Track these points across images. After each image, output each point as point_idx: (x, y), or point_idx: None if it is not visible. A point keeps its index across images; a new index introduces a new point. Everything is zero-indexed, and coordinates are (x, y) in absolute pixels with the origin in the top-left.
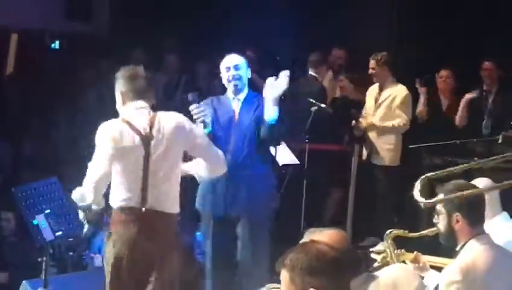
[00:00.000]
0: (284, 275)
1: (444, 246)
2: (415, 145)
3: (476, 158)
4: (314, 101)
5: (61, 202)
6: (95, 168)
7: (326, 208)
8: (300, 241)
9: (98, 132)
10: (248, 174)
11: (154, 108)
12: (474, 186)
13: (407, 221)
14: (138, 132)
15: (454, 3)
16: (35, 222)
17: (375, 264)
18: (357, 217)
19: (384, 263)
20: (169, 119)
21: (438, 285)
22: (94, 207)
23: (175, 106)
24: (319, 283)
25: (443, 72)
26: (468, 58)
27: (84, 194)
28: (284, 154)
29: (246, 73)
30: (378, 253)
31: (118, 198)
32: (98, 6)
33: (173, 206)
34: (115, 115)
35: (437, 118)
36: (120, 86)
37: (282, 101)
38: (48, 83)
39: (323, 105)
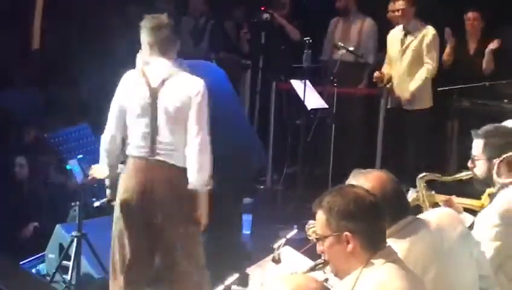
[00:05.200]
0: (320, 216)
1: (469, 189)
2: (444, 88)
3: (506, 100)
4: (342, 44)
5: (93, 147)
6: (108, 122)
7: (354, 153)
8: (345, 183)
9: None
10: None
11: (179, 62)
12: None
13: (434, 167)
14: (148, 84)
15: None
16: (68, 166)
17: None
18: (385, 162)
19: (415, 206)
20: (185, 80)
21: (472, 224)
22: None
23: (202, 51)
24: (355, 227)
25: (470, 14)
26: None
27: (101, 169)
28: (312, 99)
29: None
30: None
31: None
32: None
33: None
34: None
35: (465, 61)
36: (145, 37)
37: None
38: (78, 27)
39: (351, 48)
